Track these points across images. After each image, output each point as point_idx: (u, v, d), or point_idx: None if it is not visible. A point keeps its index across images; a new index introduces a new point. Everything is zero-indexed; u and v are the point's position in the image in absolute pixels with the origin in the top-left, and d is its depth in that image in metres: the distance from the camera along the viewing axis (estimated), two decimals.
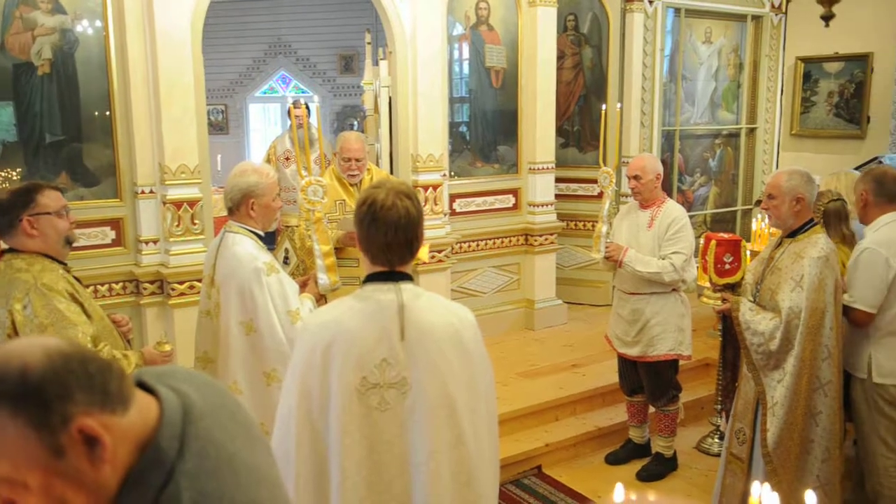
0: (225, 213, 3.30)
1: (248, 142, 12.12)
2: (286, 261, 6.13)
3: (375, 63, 6.07)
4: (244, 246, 3.05)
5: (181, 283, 4.62)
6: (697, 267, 4.12)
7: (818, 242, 3.16)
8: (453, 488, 1.98)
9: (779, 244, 3.32)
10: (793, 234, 3.25)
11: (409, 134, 5.61)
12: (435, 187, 5.64)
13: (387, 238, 1.99)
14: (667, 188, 6.83)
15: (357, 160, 4.44)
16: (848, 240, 3.94)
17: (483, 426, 2.06)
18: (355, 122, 11.04)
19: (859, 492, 3.68)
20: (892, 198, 3.42)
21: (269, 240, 7.60)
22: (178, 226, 4.66)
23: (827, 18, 5.50)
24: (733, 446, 3.44)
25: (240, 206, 3.09)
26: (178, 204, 4.65)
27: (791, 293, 3.12)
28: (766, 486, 1.44)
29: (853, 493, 3.74)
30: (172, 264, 4.62)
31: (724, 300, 3.40)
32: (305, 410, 1.99)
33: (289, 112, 5.99)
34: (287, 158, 6.31)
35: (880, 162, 6.17)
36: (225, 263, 3.06)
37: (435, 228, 5.63)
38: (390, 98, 5.72)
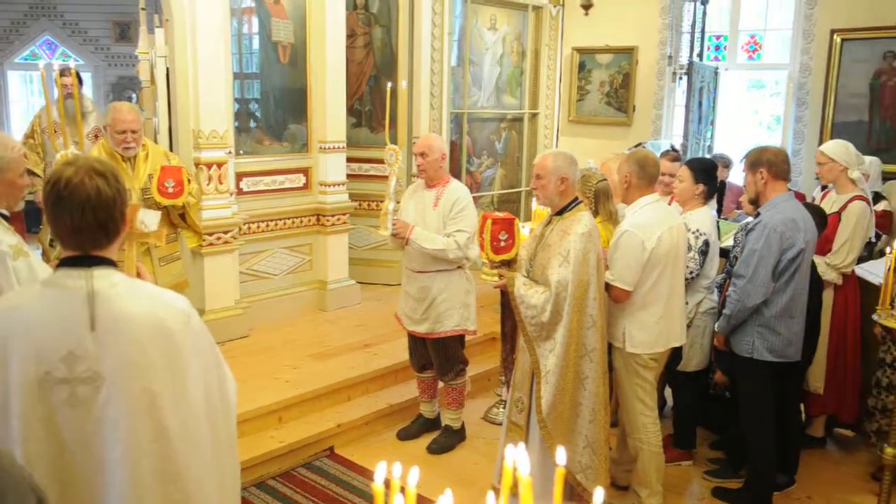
0: None
1: (6, 113, 10.87)
2: (52, 244, 5.57)
3: (151, 31, 5.64)
4: None
5: None
6: None
7: (582, 219, 3.39)
8: (156, 486, 1.83)
9: (548, 222, 3.52)
10: (560, 212, 3.47)
11: (190, 108, 5.29)
12: (219, 165, 5.37)
13: (73, 220, 1.79)
14: (456, 169, 7.04)
15: (133, 132, 4.19)
16: (613, 217, 4.28)
17: (199, 421, 1.91)
18: (134, 95, 10.26)
19: (623, 448, 4.04)
20: (651, 180, 3.76)
21: (36, 220, 6.86)
22: None
23: (586, 7, 5.92)
24: (513, 415, 3.62)
25: None
26: None
27: (559, 268, 3.32)
28: (521, 446, 1.50)
29: (617, 449, 4.10)
30: None
31: (500, 276, 3.55)
32: None
33: (55, 80, 5.44)
34: (55, 131, 5.71)
35: (643, 147, 6.78)
36: None
37: (220, 208, 5.38)
38: (168, 69, 5.35)
